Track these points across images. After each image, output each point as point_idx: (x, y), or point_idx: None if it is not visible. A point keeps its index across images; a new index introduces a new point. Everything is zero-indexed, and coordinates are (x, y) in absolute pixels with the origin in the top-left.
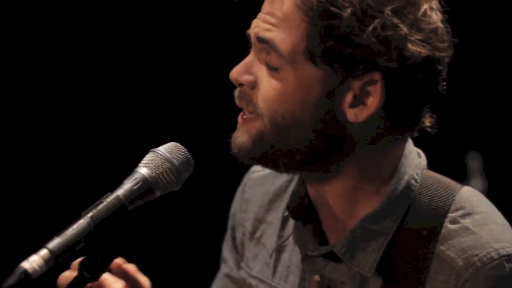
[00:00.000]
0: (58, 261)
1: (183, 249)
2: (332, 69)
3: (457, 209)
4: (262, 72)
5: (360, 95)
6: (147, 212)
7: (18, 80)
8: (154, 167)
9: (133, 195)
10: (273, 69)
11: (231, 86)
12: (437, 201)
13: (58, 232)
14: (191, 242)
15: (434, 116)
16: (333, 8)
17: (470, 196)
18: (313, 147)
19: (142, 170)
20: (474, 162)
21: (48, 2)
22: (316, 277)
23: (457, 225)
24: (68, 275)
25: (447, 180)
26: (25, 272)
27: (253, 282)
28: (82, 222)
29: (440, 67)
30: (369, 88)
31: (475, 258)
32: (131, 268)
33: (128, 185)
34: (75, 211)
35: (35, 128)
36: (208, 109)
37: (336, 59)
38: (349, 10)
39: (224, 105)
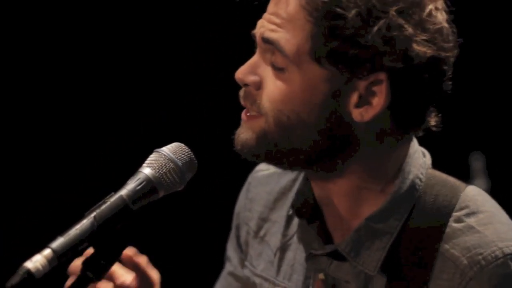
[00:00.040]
0: (61, 261)
1: (188, 248)
2: (337, 69)
3: (461, 208)
4: (267, 73)
5: (365, 95)
6: (151, 212)
7: (18, 80)
8: (157, 167)
9: (136, 195)
10: (278, 70)
11: (231, 86)
12: (442, 200)
13: (57, 232)
14: (195, 241)
15: (440, 115)
16: (338, 9)
17: (475, 195)
18: (317, 146)
19: (146, 170)
20: (477, 162)
21: (48, 2)
22: (321, 276)
23: (462, 224)
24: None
25: (451, 180)
26: (28, 271)
27: (257, 280)
28: (85, 222)
29: (445, 67)
30: (375, 88)
31: (480, 257)
32: (142, 260)
33: (131, 185)
34: (75, 211)
35: (35, 128)
36: (208, 109)
37: (341, 60)
38: (354, 11)
39: (224, 105)
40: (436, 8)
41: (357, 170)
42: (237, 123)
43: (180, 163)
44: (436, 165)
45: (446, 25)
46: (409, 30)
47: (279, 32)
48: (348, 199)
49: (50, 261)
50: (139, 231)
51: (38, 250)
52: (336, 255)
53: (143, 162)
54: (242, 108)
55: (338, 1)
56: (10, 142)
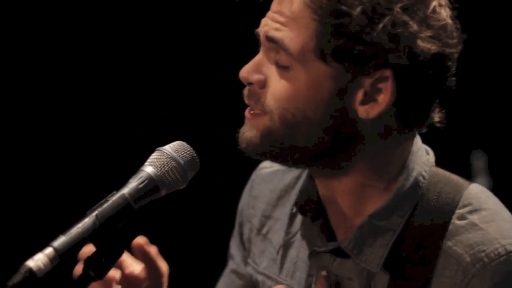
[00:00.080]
0: (63, 260)
1: (190, 247)
2: (343, 67)
3: (464, 206)
4: (271, 71)
5: (370, 92)
6: (153, 211)
7: (18, 80)
8: (159, 165)
9: (138, 193)
10: (283, 68)
11: (232, 86)
12: (445, 198)
13: (57, 232)
14: (197, 240)
15: (443, 111)
16: (343, 7)
17: (478, 193)
18: (323, 144)
19: (148, 168)
20: (478, 161)
21: (48, 2)
22: (323, 273)
23: (465, 221)
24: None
25: (455, 177)
26: (30, 270)
27: (260, 278)
28: (87, 221)
29: (449, 63)
30: (380, 85)
31: (482, 254)
32: (152, 250)
33: (133, 183)
34: (76, 211)
35: (35, 128)
36: (209, 109)
37: (346, 57)
38: (359, 8)
39: (224, 104)
40: (440, 5)
41: (361, 168)
42: (237, 122)
43: (182, 162)
44: (438, 163)
45: (449, 21)
46: (414, 26)
47: (283, 31)
48: (352, 197)
49: (52, 259)
50: (141, 230)
51: (38, 250)
52: (339, 252)
53: (143, 162)
54: (242, 107)
55: None
56: (10, 142)
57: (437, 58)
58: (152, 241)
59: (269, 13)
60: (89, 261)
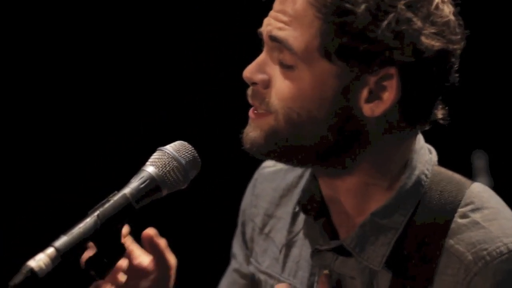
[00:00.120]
0: (65, 260)
1: (191, 246)
2: (347, 65)
3: (467, 204)
4: (275, 71)
5: (375, 90)
6: (155, 211)
7: (18, 80)
8: (161, 165)
9: (140, 193)
10: (287, 68)
11: (232, 86)
12: (447, 196)
13: (57, 232)
14: (200, 239)
15: (446, 107)
16: (347, 4)
17: (480, 192)
18: (328, 142)
19: (149, 168)
20: (479, 161)
21: (48, 2)
22: (326, 272)
23: (467, 220)
24: None
25: (457, 176)
26: (31, 270)
27: (262, 277)
28: (88, 221)
29: (453, 60)
30: (385, 83)
31: (485, 252)
32: (162, 242)
33: (135, 183)
34: (76, 211)
35: (35, 128)
36: (209, 109)
37: (351, 55)
38: (363, 6)
39: (224, 104)
40: (443, 1)
41: (365, 167)
42: (237, 122)
43: (183, 162)
44: (439, 163)
45: (452, 17)
46: (418, 23)
47: (287, 30)
48: (356, 196)
49: (53, 260)
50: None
51: (38, 250)
52: (341, 251)
53: (143, 162)
54: (242, 106)
55: None
56: (10, 142)
57: (441, 54)
58: None
59: (272, 13)
60: (90, 261)
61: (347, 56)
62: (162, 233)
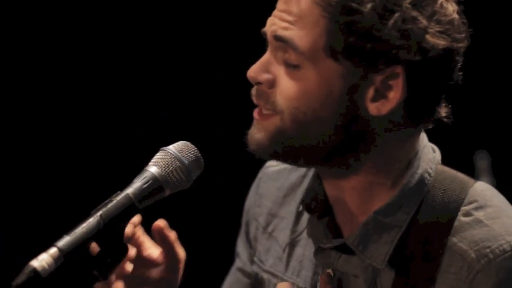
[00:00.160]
0: (67, 260)
1: (195, 246)
2: (354, 64)
3: (470, 202)
4: (280, 71)
5: (381, 89)
6: (158, 211)
7: (18, 80)
8: (164, 165)
9: (142, 193)
10: (292, 67)
11: (232, 86)
12: (451, 195)
13: (57, 232)
14: (203, 239)
15: (449, 106)
16: (353, 4)
17: (484, 190)
18: (334, 142)
19: (152, 168)
20: (482, 161)
21: (48, 2)
22: (329, 271)
23: (470, 218)
24: None
25: (461, 175)
26: (34, 270)
27: (265, 276)
28: (91, 221)
29: (458, 58)
30: (391, 82)
31: (487, 250)
32: (172, 235)
33: (137, 183)
34: (76, 211)
35: (35, 128)
36: (209, 109)
37: (357, 54)
38: (369, 5)
39: (225, 104)
40: (447, 0)
41: (370, 166)
42: (238, 122)
43: (186, 162)
44: (441, 164)
45: (456, 16)
46: (424, 22)
47: (292, 30)
48: (360, 195)
49: (56, 260)
50: (146, 230)
51: (38, 249)
52: (344, 249)
53: (143, 162)
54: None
55: None
56: (10, 142)
57: (446, 53)
58: None
59: (276, 12)
60: (94, 260)
61: (353, 55)
62: None
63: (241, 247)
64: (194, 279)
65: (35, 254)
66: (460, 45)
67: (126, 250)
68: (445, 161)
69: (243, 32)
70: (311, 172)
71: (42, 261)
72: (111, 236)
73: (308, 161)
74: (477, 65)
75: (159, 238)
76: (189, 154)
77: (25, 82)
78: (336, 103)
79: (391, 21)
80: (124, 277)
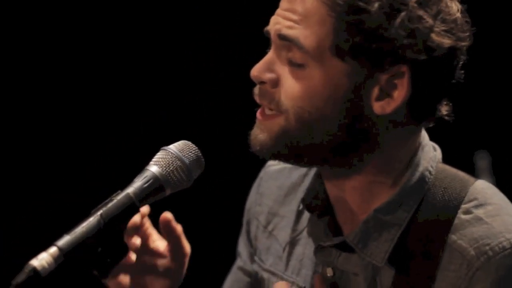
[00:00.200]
0: (67, 259)
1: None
2: (359, 63)
3: (470, 200)
4: (284, 70)
5: (386, 88)
6: (158, 211)
7: (18, 80)
8: (164, 165)
9: (143, 193)
10: (297, 66)
11: (232, 86)
12: (451, 193)
13: (57, 232)
14: (205, 238)
15: (450, 104)
16: (360, 3)
17: (484, 188)
18: (338, 141)
19: (153, 168)
20: (482, 161)
21: (48, 2)
22: (329, 270)
23: (470, 215)
24: None
25: (461, 174)
26: (34, 269)
27: (265, 275)
28: (91, 220)
29: (462, 56)
30: (396, 81)
31: (487, 247)
32: (178, 228)
33: (138, 183)
34: (76, 211)
35: (35, 128)
36: (209, 109)
37: (364, 54)
38: (376, 4)
39: (225, 104)
40: None
41: (372, 166)
42: (238, 122)
43: (187, 161)
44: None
45: (459, 15)
46: (429, 21)
47: (297, 29)
48: (361, 195)
49: (56, 259)
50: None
51: (38, 249)
52: (344, 247)
53: (143, 162)
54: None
55: None
56: (10, 142)
57: (451, 52)
58: None
59: (279, 11)
60: (93, 260)
61: (359, 55)
62: None
63: (242, 246)
64: (195, 278)
65: (35, 254)
66: (464, 44)
67: (126, 249)
68: (446, 161)
69: (243, 32)
70: (312, 171)
71: (42, 260)
72: (111, 235)
73: (311, 160)
74: (478, 65)
75: (166, 230)
76: (190, 153)
77: (25, 82)
78: (341, 102)
79: (398, 20)
80: (130, 268)
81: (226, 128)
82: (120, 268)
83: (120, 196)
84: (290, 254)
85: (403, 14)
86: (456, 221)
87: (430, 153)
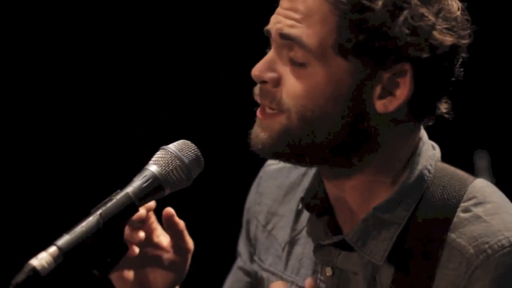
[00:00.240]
0: (67, 259)
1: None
2: (362, 62)
3: (469, 199)
4: (285, 69)
5: (388, 86)
6: (158, 211)
7: (18, 80)
8: (164, 164)
9: (142, 192)
10: (299, 65)
11: (232, 86)
12: (450, 192)
13: (57, 232)
14: (205, 238)
15: (450, 102)
16: (364, 1)
17: (483, 187)
18: (339, 139)
19: (152, 167)
20: (481, 161)
21: (48, 2)
22: (328, 270)
23: (469, 214)
24: None
25: (460, 172)
26: (33, 269)
27: (265, 275)
28: (91, 220)
29: (462, 54)
30: (398, 79)
31: (486, 246)
32: (181, 223)
33: (137, 182)
34: (76, 211)
35: (35, 128)
36: (209, 108)
37: (367, 52)
38: (380, 2)
39: (224, 104)
40: None
41: (371, 165)
42: (238, 121)
43: (186, 161)
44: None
45: (459, 13)
46: (432, 19)
47: (299, 28)
48: (361, 194)
49: (55, 258)
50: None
51: (38, 249)
52: (343, 246)
53: (143, 162)
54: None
55: None
56: (10, 142)
57: (452, 49)
58: None
59: (280, 10)
60: (93, 260)
61: (363, 53)
62: None
63: (242, 246)
64: (196, 278)
65: (34, 254)
66: (464, 41)
67: (125, 249)
68: (445, 160)
69: (243, 32)
70: (312, 171)
71: (41, 260)
72: (111, 235)
73: (312, 160)
74: (478, 64)
75: (169, 224)
76: (189, 152)
77: (25, 83)
78: (343, 100)
79: (401, 18)
80: (134, 262)
81: (225, 127)
82: (124, 263)
83: (119, 196)
84: (289, 253)
85: (406, 12)
86: (455, 219)
87: (429, 151)
